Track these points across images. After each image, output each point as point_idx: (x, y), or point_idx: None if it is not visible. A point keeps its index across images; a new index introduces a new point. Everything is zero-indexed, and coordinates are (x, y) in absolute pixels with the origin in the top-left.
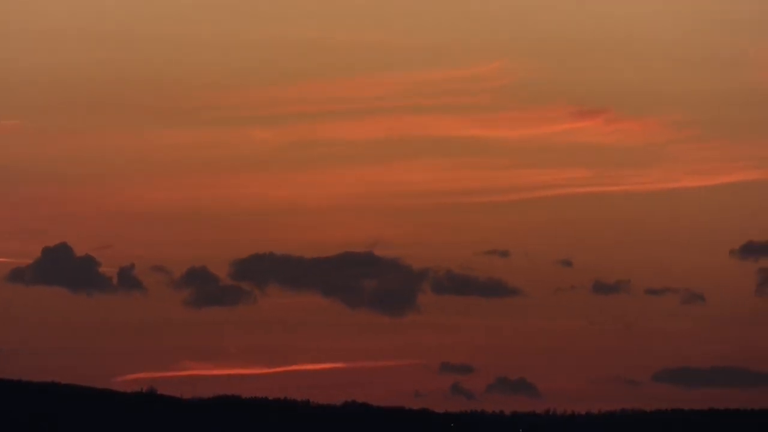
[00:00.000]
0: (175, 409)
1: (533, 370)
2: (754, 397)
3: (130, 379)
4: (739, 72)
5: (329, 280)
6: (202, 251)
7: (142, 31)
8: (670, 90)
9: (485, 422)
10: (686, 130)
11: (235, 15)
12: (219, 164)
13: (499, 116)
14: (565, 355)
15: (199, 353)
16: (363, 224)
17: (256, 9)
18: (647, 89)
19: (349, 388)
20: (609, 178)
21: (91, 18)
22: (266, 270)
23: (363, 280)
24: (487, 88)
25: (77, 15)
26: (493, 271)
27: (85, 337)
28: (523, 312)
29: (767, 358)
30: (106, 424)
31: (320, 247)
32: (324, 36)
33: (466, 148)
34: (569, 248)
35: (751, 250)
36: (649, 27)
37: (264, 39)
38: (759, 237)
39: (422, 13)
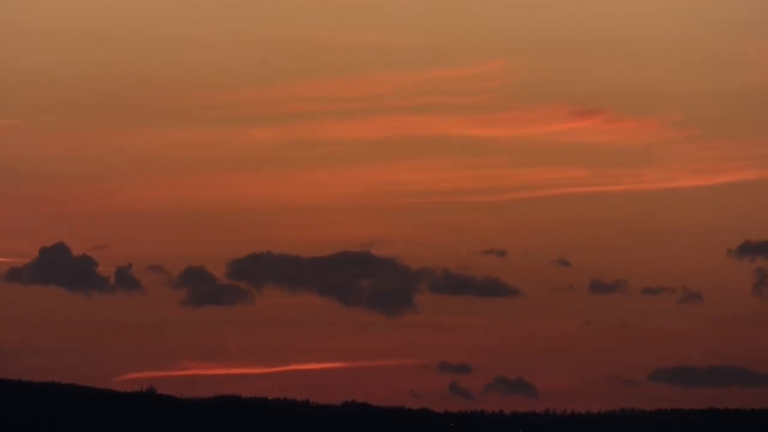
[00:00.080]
0: (175, 409)
1: (531, 370)
2: (752, 397)
3: (128, 378)
4: (739, 72)
5: (327, 280)
6: (199, 251)
7: (142, 31)
8: (669, 90)
9: (485, 422)
10: (685, 130)
11: (235, 15)
12: (218, 164)
13: (498, 116)
14: (562, 354)
15: (197, 353)
16: (360, 224)
17: (256, 9)
18: (646, 89)
19: (348, 388)
20: (607, 177)
21: (91, 18)
22: (264, 269)
23: (360, 279)
24: (487, 87)
25: (77, 15)
26: (490, 270)
27: (83, 336)
28: (520, 312)
29: (765, 358)
30: (106, 424)
31: (318, 246)
32: (324, 36)
33: (466, 147)
34: (567, 248)
35: (748, 249)
36: (648, 27)
37: (264, 39)
38: (756, 237)
39: (422, 13)
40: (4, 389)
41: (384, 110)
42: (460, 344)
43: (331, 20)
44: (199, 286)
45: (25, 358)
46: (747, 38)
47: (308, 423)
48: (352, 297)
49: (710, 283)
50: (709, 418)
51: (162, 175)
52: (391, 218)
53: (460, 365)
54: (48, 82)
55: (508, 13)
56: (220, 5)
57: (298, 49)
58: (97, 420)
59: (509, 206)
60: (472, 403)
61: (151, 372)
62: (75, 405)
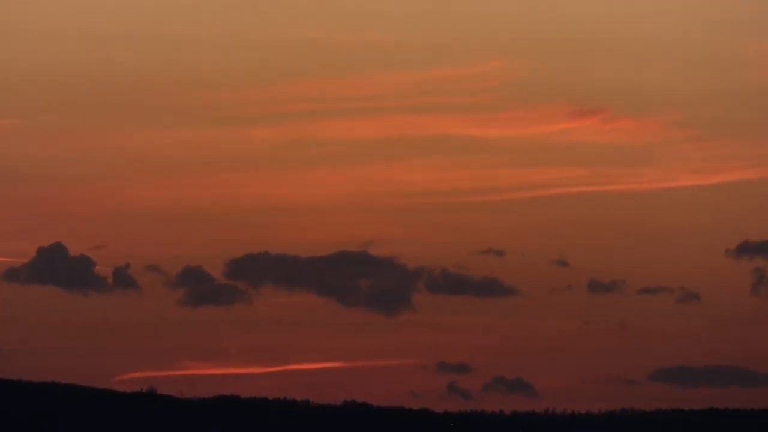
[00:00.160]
0: (175, 409)
1: (529, 370)
2: (750, 397)
3: (126, 378)
4: (739, 72)
5: (324, 280)
6: (197, 251)
7: (142, 31)
8: (669, 90)
9: (485, 422)
10: (684, 130)
11: (235, 15)
12: (218, 164)
13: (498, 116)
14: (561, 354)
15: (195, 353)
16: (358, 223)
17: (256, 9)
18: (646, 89)
19: (347, 388)
20: (607, 177)
21: (91, 18)
22: (261, 269)
23: (358, 279)
24: (486, 87)
25: (77, 15)
26: (488, 270)
27: (81, 336)
28: (518, 311)
29: (763, 358)
30: (106, 424)
31: (316, 246)
32: (323, 36)
33: (465, 147)
34: (565, 248)
35: (746, 249)
36: (648, 27)
37: (264, 39)
38: (755, 237)
39: (422, 13)
40: (3, 389)
41: (384, 110)
42: (458, 344)
43: (330, 20)
44: (196, 286)
45: (23, 357)
46: (747, 38)
47: (308, 423)
48: (350, 297)
49: (708, 283)
50: (709, 418)
51: (161, 175)
52: (389, 218)
53: (459, 365)
54: (48, 82)
55: (508, 12)
56: (220, 5)
57: (297, 49)
58: (97, 420)
59: (508, 206)
60: (471, 403)
61: (149, 372)
62: (75, 405)
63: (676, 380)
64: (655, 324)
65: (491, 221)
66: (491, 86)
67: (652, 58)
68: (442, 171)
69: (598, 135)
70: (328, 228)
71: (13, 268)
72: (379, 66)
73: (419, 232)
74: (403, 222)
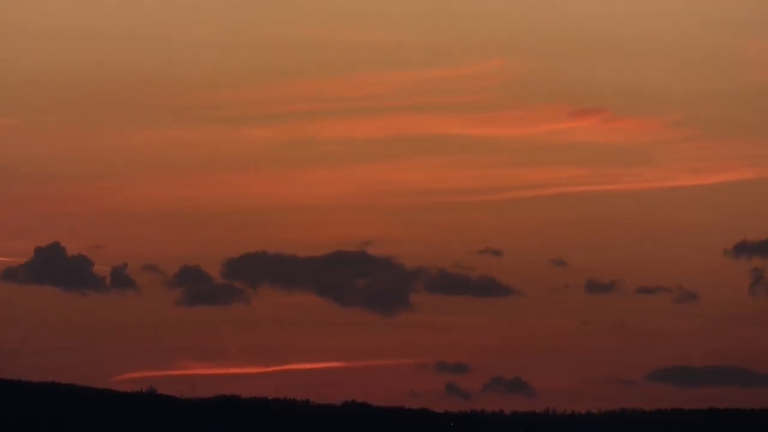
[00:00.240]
0: (175, 409)
1: (527, 370)
2: (749, 396)
3: (125, 378)
4: (739, 72)
5: (322, 279)
6: (194, 250)
7: (142, 31)
8: (669, 90)
9: (485, 422)
10: (684, 130)
11: (235, 15)
12: (217, 164)
13: (498, 115)
14: (559, 354)
15: (194, 352)
16: (356, 223)
17: (256, 9)
18: (646, 89)
19: (345, 388)
20: (606, 177)
21: (91, 18)
22: (259, 269)
23: (356, 279)
24: (486, 87)
25: (77, 15)
26: (486, 270)
27: (79, 336)
28: (516, 311)
29: (762, 357)
30: (106, 424)
31: (313, 246)
32: (323, 35)
33: (465, 146)
34: (563, 247)
35: (744, 249)
36: (648, 27)
37: (264, 39)
38: (753, 236)
39: (421, 12)
40: (2, 389)
41: (383, 110)
42: (456, 344)
43: (330, 20)
44: (194, 285)
45: (21, 357)
46: (747, 38)
47: (308, 423)
48: (348, 297)
49: (706, 283)
50: (709, 418)
51: (161, 174)
52: (387, 218)
53: (457, 365)
54: (47, 82)
55: (508, 12)
56: (220, 5)
57: (297, 49)
58: (97, 420)
59: (507, 205)
60: (470, 403)
61: (148, 372)
62: (74, 405)
63: (674, 380)
64: (653, 324)
65: (490, 221)
66: (491, 86)
67: (652, 58)
68: (441, 170)
69: (598, 135)
70: (326, 228)
71: (10, 267)
72: (379, 65)
73: (417, 232)
74: (401, 222)
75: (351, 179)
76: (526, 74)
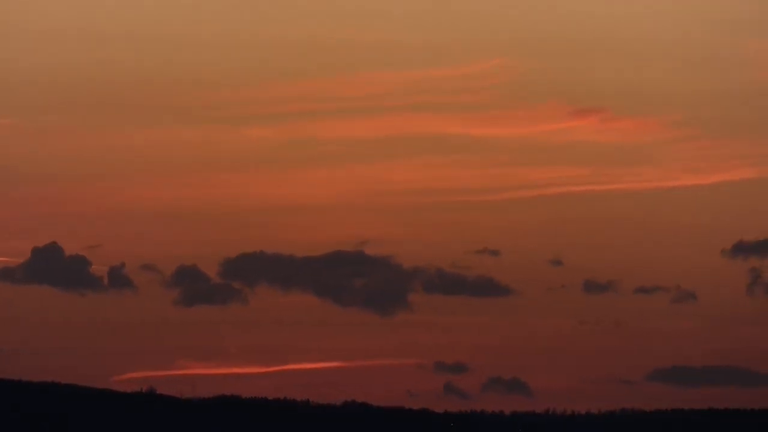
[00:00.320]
0: (175, 409)
1: (525, 369)
2: (748, 396)
3: (124, 378)
4: (739, 72)
5: (320, 279)
6: (192, 250)
7: (142, 31)
8: (668, 90)
9: (485, 422)
10: (683, 129)
11: (235, 15)
12: (217, 163)
13: (497, 115)
14: (557, 354)
15: (192, 352)
16: (354, 223)
17: (256, 9)
18: (646, 88)
19: (344, 388)
20: (605, 176)
21: (91, 18)
22: (257, 269)
23: (354, 279)
24: (486, 86)
25: (77, 15)
26: (484, 270)
27: (77, 336)
28: (514, 311)
29: (760, 357)
30: (106, 424)
31: (311, 245)
32: (323, 35)
33: (464, 146)
34: (560, 247)
35: (742, 249)
36: (648, 27)
37: (263, 39)
38: (751, 236)
39: (421, 12)
40: (2, 389)
41: (383, 109)
42: (454, 344)
43: (330, 19)
44: (191, 285)
45: (20, 357)
46: (747, 38)
47: (308, 423)
48: (346, 297)
49: (705, 283)
50: (709, 418)
51: (160, 174)
52: (384, 217)
53: (456, 365)
54: (47, 82)
55: (508, 11)
56: (220, 5)
57: (297, 48)
58: (97, 420)
59: (506, 205)
60: (469, 403)
61: (147, 372)
62: (75, 405)
63: (673, 380)
64: (651, 324)
65: (487, 221)
66: (491, 85)
67: (652, 58)
68: (441, 170)
69: (597, 134)
70: (324, 228)
71: (8, 267)
72: (379, 65)
73: (415, 232)
74: (399, 222)
75: (350, 179)
76: (526, 74)
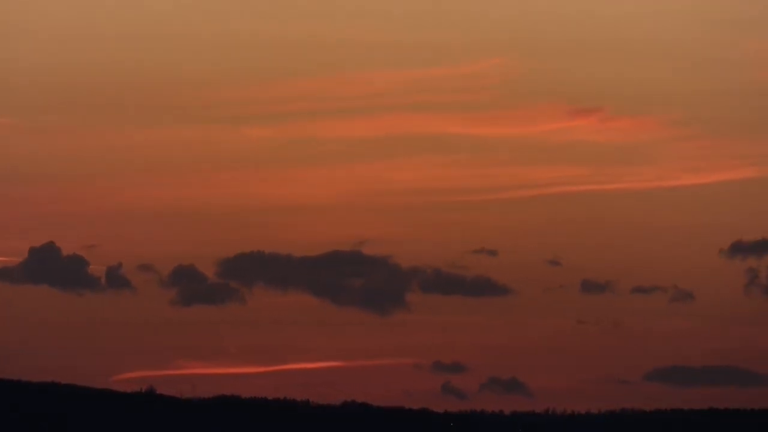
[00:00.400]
0: (175, 409)
1: (523, 369)
2: (747, 396)
3: (123, 378)
4: (739, 72)
5: (317, 279)
6: (189, 250)
7: (142, 31)
8: (668, 89)
9: (485, 422)
10: (683, 129)
11: (235, 15)
12: (216, 163)
13: (496, 114)
14: (555, 354)
15: (190, 352)
16: (351, 223)
17: (256, 8)
18: (645, 88)
19: (343, 388)
20: (605, 176)
21: (91, 18)
22: (254, 269)
23: (351, 278)
24: (486, 85)
25: (77, 15)
26: (482, 269)
27: (75, 336)
28: (511, 311)
29: (758, 357)
30: (105, 424)
31: (309, 245)
32: (322, 34)
33: (464, 145)
34: (558, 247)
35: (740, 249)
36: (648, 27)
37: (263, 38)
38: (748, 236)
39: (421, 11)
40: (2, 389)
41: (383, 108)
42: (452, 343)
43: (329, 18)
44: (189, 285)
45: (18, 357)
46: (747, 38)
47: (308, 423)
48: (344, 296)
49: (702, 283)
50: (709, 418)
51: (160, 174)
52: (382, 217)
53: (454, 364)
54: (46, 82)
55: (508, 11)
56: (220, 5)
57: (296, 47)
58: (96, 420)
59: (505, 205)
60: (467, 403)
61: (145, 372)
62: (74, 405)
63: (672, 380)
64: (649, 323)
65: (485, 220)
66: (490, 85)
67: (652, 57)
68: (440, 170)
69: (596, 134)
70: (321, 227)
71: (5, 267)
72: (378, 64)
73: (413, 232)
74: (397, 221)
75: (350, 178)
76: (525, 73)
